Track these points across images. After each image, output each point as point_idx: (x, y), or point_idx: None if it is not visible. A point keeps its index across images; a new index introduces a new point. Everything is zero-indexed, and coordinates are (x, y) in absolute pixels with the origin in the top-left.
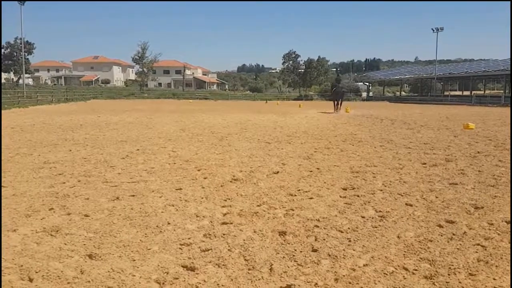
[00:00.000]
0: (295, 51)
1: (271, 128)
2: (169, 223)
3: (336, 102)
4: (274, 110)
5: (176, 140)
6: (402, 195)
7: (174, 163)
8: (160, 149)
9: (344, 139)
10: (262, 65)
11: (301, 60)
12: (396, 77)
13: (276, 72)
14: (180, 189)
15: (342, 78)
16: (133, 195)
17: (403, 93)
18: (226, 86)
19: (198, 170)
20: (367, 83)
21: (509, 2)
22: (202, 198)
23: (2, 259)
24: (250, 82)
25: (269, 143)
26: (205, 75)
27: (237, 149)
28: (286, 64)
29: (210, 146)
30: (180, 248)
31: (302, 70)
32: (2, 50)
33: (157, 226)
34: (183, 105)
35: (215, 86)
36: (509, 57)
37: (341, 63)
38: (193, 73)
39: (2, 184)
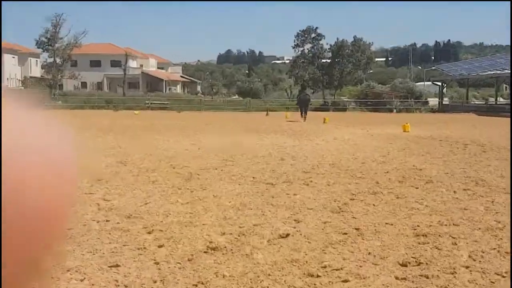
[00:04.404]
0: (316, 28)
1: (275, 158)
2: None
3: (302, 110)
4: (281, 128)
5: (110, 180)
6: (503, 276)
7: (107, 221)
8: (82, 196)
9: (401, 177)
10: (260, 53)
11: (326, 45)
12: (489, 72)
13: (284, 63)
14: (117, 266)
15: (397, 72)
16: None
17: (501, 99)
18: (199, 87)
19: (149, 233)
20: (439, 83)
21: (509, 2)
22: (155, 283)
23: None
24: (240, 80)
25: (273, 185)
26: (161, 68)
27: (217, 195)
28: (302, 49)
29: (170, 191)
30: None
31: (328, 61)
32: None
33: None
34: (124, 119)
35: (178, 87)
36: None
37: (394, 49)
38: (141, 65)
39: None
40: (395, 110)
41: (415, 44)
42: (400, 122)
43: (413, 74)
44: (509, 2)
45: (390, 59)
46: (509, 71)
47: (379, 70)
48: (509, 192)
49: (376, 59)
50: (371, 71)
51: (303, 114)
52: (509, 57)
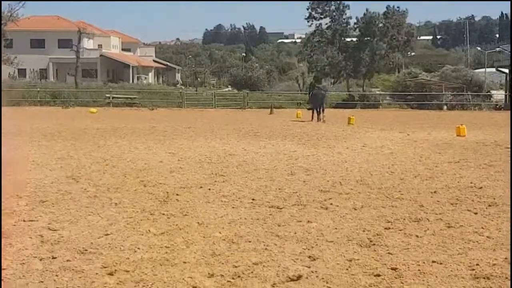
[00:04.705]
0: None
1: (283, 172)
2: None
3: (317, 109)
4: (290, 131)
5: (58, 202)
6: None
7: (54, 258)
8: (19, 223)
9: (454, 198)
10: (262, 29)
11: (352, 19)
12: None
13: (294, 43)
14: None
15: (448, 56)
16: None
17: None
18: (178, 76)
19: (110, 275)
20: (506, 70)
21: (508, 2)
22: None
23: None
24: (234, 66)
25: (279, 209)
26: (127, 50)
27: (203, 222)
28: (318, 24)
29: (139, 217)
30: None
31: (354, 40)
32: None
33: None
34: (76, 119)
35: (150, 75)
36: None
37: (444, 24)
38: (100, 45)
39: None
40: (445, 107)
41: (473, 16)
42: (452, 123)
43: (470, 57)
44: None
45: (438, 37)
46: None
47: (423, 53)
48: None
49: (420, 38)
50: (412, 53)
51: (319, 115)
52: None
